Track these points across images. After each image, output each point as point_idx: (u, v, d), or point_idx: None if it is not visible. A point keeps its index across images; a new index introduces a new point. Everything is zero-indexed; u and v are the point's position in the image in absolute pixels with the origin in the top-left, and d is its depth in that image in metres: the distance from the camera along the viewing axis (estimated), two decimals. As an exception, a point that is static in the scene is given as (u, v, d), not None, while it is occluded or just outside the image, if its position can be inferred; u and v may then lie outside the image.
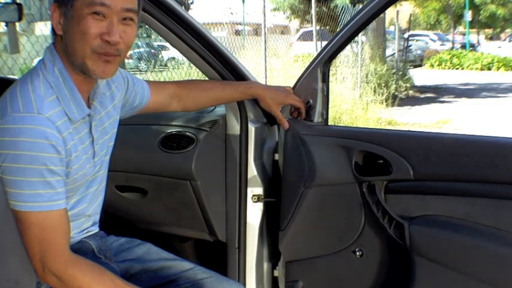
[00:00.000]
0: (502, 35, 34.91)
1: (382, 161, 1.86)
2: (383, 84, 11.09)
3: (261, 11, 8.91)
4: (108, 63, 1.42)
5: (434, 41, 27.63)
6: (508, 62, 20.61)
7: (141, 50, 12.20)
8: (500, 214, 1.72)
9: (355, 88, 10.30)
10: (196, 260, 1.86)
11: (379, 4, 1.79)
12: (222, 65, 1.99)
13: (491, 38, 36.29)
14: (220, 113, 2.17)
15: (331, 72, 2.03)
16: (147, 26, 1.84)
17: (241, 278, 2.15)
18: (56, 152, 1.36)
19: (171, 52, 12.82)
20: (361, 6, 7.36)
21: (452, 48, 26.01)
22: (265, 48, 8.63)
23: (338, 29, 2.04)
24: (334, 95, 9.08)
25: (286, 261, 2.08)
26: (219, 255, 2.21)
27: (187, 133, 2.16)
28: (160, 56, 13.12)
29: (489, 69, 20.54)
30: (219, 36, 11.48)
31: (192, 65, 2.33)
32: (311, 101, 1.97)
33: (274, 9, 15.88)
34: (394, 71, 13.03)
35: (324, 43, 4.25)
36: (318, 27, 11.50)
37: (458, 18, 29.58)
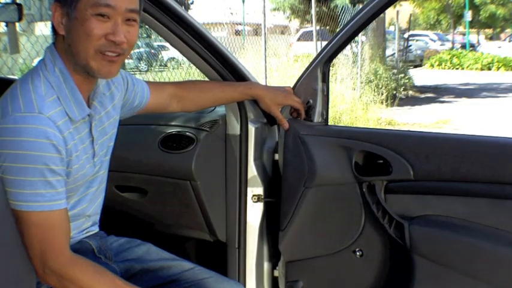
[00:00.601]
0: (502, 35, 34.91)
1: (382, 161, 1.86)
2: (383, 85, 11.09)
3: (261, 11, 8.92)
4: (113, 63, 1.43)
5: (434, 41, 27.63)
6: (508, 62, 20.61)
7: (141, 50, 12.20)
8: (500, 214, 1.72)
9: (355, 88, 10.30)
10: (196, 260, 1.85)
11: (379, 4, 1.79)
12: (222, 65, 1.99)
13: (491, 38, 36.29)
14: (220, 113, 2.17)
15: (331, 72, 2.03)
16: (147, 26, 1.84)
17: (241, 278, 2.15)
18: (57, 152, 1.36)
19: (171, 52, 12.82)
20: (361, 6, 7.36)
21: (452, 48, 26.01)
22: (265, 48, 8.63)
23: (338, 29, 2.04)
24: (334, 95, 9.08)
25: (286, 261, 2.08)
26: (219, 255, 2.21)
27: (187, 133, 2.16)
28: (160, 56, 13.12)
29: (489, 69, 20.54)
30: (219, 36, 11.48)
31: (192, 65, 2.33)
32: (311, 101, 1.97)
33: (274, 9, 15.88)
34: (394, 71, 13.03)
35: (324, 43, 4.25)
36: (318, 27, 11.50)
37: (458, 18, 29.57)
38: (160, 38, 2.53)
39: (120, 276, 1.52)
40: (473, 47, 27.28)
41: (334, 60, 2.16)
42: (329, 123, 2.02)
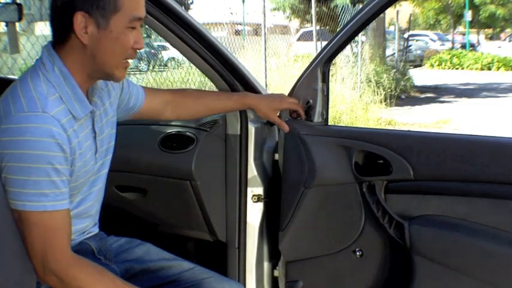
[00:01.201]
0: (502, 35, 34.91)
1: (382, 161, 1.86)
2: (383, 84, 11.09)
3: (261, 11, 8.92)
4: (126, 67, 1.49)
5: (434, 41, 27.63)
6: (508, 62, 20.61)
7: (141, 50, 12.13)
8: (500, 214, 1.72)
9: (355, 88, 10.30)
10: (196, 260, 1.85)
11: (379, 4, 1.79)
12: (222, 65, 1.99)
13: (491, 38, 36.29)
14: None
15: (331, 72, 2.03)
16: (147, 26, 1.84)
17: (241, 278, 2.15)
18: (61, 151, 1.36)
19: (171, 52, 12.80)
20: (361, 6, 7.36)
21: (452, 48, 26.00)
22: (265, 48, 8.63)
23: (338, 29, 2.04)
24: (334, 95, 9.08)
25: (286, 261, 2.08)
26: (219, 255, 2.21)
27: (187, 133, 2.16)
28: (160, 56, 13.11)
29: (489, 69, 20.54)
30: (219, 36, 11.47)
31: (192, 65, 2.33)
32: (311, 101, 1.97)
33: (274, 9, 15.87)
34: (394, 71, 13.03)
35: (324, 43, 4.26)
36: (318, 27, 11.50)
37: (458, 18, 29.56)
38: (160, 38, 2.53)
39: (120, 277, 1.52)
40: (473, 47, 27.28)
41: (334, 60, 2.16)
42: (329, 123, 2.02)
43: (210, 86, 6.83)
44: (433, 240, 1.79)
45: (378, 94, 10.31)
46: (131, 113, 1.81)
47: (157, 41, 12.61)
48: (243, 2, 13.47)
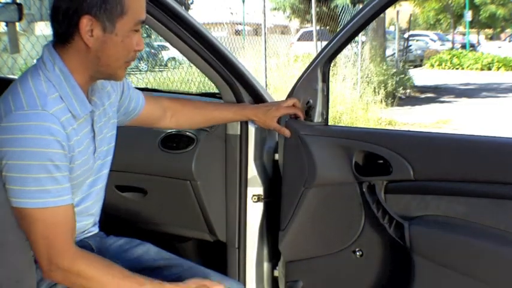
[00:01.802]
0: (502, 35, 34.89)
1: (382, 161, 1.86)
2: (383, 84, 11.09)
3: (261, 11, 8.91)
4: (127, 67, 1.51)
5: (434, 41, 27.62)
6: (508, 62, 20.60)
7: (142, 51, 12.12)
8: (500, 214, 1.72)
9: (355, 88, 10.30)
10: (197, 260, 1.85)
11: (379, 4, 1.79)
12: (222, 65, 1.99)
13: (491, 38, 36.28)
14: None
15: (331, 72, 2.03)
16: (147, 26, 1.85)
17: (241, 278, 2.15)
18: (61, 148, 1.37)
19: (171, 52, 12.80)
20: (361, 6, 7.35)
21: (452, 48, 25.99)
22: (265, 48, 8.62)
23: (338, 29, 2.04)
24: (334, 95, 9.08)
25: (286, 261, 2.08)
26: (219, 255, 2.21)
27: (187, 133, 2.16)
28: (160, 56, 13.11)
29: (489, 69, 20.53)
30: (219, 36, 11.48)
31: (192, 65, 2.33)
32: (311, 101, 1.97)
33: (274, 9, 15.89)
34: (394, 71, 13.03)
35: (324, 43, 4.25)
36: (318, 27, 11.49)
37: (458, 18, 29.55)
38: (160, 38, 2.53)
39: None
40: (473, 47, 27.27)
41: (334, 59, 2.16)
42: (329, 123, 2.02)
43: (210, 86, 6.83)
44: (433, 240, 1.79)
45: (378, 94, 10.30)
46: (130, 117, 1.81)
47: (158, 41, 12.61)
48: (243, 2, 13.47)
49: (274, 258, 2.18)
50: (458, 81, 16.53)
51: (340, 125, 7.77)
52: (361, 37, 11.60)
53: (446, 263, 1.77)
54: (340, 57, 10.52)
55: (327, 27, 13.38)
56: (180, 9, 1.86)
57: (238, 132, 2.09)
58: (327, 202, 1.95)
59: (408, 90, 13.10)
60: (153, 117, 1.87)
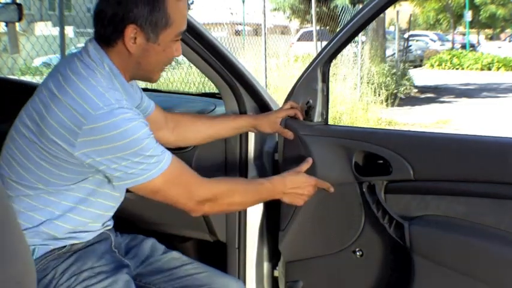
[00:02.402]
0: (502, 35, 34.88)
1: (382, 161, 1.86)
2: (383, 85, 11.09)
3: (261, 11, 8.91)
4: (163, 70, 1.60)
5: (434, 41, 27.61)
6: (508, 62, 20.60)
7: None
8: (500, 214, 1.72)
9: (355, 88, 10.30)
10: (196, 260, 1.86)
11: (379, 4, 1.79)
12: (222, 66, 1.99)
13: (491, 38, 36.27)
14: (220, 113, 2.17)
15: (331, 72, 2.04)
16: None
17: (241, 278, 2.15)
18: (144, 124, 1.45)
19: (171, 52, 12.79)
20: (361, 6, 7.35)
21: (452, 48, 25.99)
22: (265, 48, 8.62)
23: (338, 29, 2.04)
24: (334, 95, 9.08)
25: (286, 261, 2.08)
26: (219, 256, 2.21)
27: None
28: (160, 56, 13.08)
29: (489, 69, 20.53)
30: (219, 36, 11.47)
31: (192, 65, 2.33)
32: (311, 101, 1.97)
33: (274, 9, 15.88)
34: (394, 71, 13.03)
35: (324, 43, 4.25)
36: (318, 28, 11.49)
37: (458, 18, 29.54)
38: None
39: (131, 272, 1.61)
40: (473, 47, 27.27)
41: (334, 60, 2.16)
42: (329, 123, 2.02)
43: (210, 86, 6.83)
44: (433, 240, 1.79)
45: (379, 95, 10.30)
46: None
47: (157, 41, 12.58)
48: (243, 2, 13.47)
49: (274, 258, 2.18)
50: (458, 81, 16.53)
51: (340, 125, 7.77)
52: (361, 37, 11.59)
53: (446, 263, 1.77)
54: (340, 57, 10.52)
55: (327, 28, 13.38)
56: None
57: (238, 132, 2.09)
58: (326, 202, 1.95)
59: (408, 90, 13.10)
60: (156, 123, 1.83)
